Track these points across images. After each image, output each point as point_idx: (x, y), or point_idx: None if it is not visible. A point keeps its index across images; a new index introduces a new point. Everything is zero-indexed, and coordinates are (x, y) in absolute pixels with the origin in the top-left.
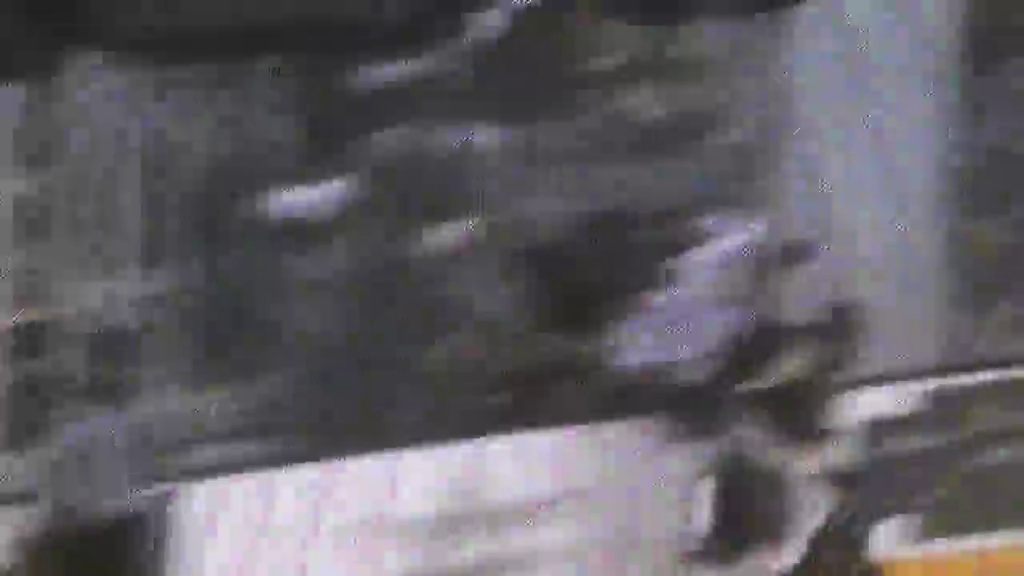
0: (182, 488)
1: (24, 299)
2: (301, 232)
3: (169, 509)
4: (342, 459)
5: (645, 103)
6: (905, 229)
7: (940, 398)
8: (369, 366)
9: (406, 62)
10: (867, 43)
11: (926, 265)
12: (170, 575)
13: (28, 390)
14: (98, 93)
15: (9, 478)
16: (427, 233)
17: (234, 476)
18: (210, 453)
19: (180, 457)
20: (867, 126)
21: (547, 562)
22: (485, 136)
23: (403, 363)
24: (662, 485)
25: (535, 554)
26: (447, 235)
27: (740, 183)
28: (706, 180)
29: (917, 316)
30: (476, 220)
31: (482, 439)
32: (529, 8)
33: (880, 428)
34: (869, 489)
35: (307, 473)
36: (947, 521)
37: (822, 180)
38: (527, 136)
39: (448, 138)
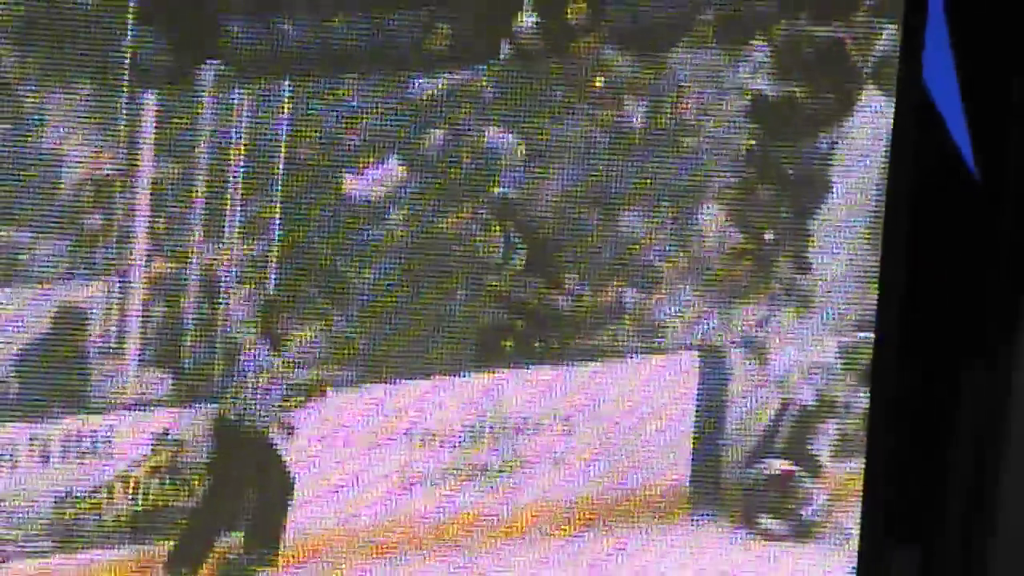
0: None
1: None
2: (366, 206)
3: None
4: (395, 383)
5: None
6: None
7: None
8: (413, 315)
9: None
10: None
11: None
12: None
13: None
14: (217, 100)
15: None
16: (454, 211)
17: (318, 396)
18: (307, 376)
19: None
20: None
21: (546, 465)
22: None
23: (439, 314)
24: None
25: (537, 457)
26: (468, 214)
27: None
28: None
29: None
30: (492, 202)
31: (496, 371)
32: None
33: None
34: None
35: (371, 393)
36: None
37: None
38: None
39: (476, 137)
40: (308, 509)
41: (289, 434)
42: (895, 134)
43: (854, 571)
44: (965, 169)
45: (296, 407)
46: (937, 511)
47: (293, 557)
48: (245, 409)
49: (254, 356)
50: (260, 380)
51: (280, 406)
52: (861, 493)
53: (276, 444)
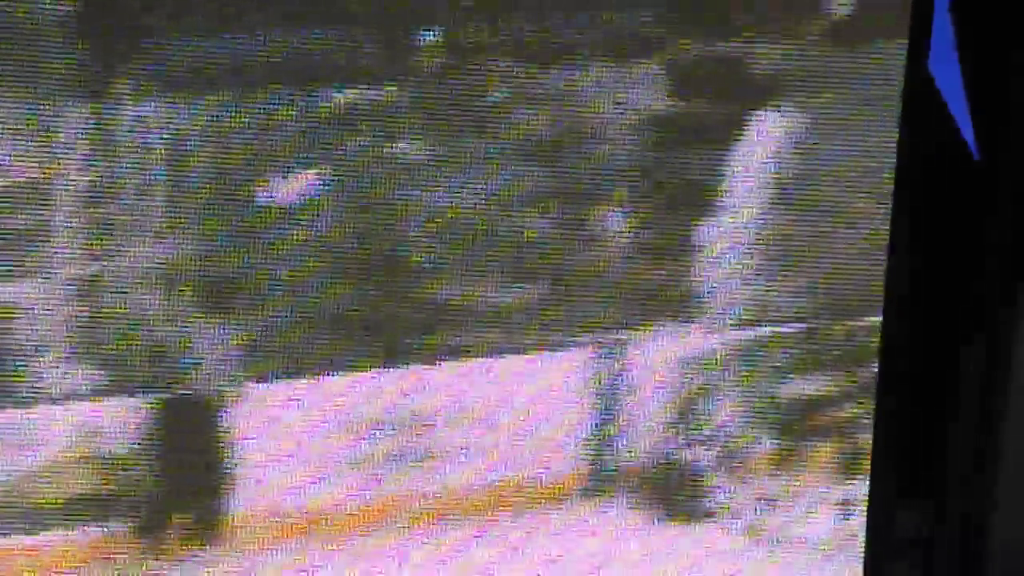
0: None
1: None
2: (287, 213)
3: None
4: (321, 377)
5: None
6: None
7: None
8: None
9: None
10: None
11: None
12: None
13: None
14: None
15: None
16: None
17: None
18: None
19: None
20: None
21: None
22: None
23: (365, 312)
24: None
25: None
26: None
27: None
28: None
29: None
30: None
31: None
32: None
33: None
34: None
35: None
36: None
37: None
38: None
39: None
40: (240, 493)
41: (220, 423)
42: (903, 125)
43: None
44: (969, 156)
45: (224, 398)
46: (940, 472)
47: (232, 538)
48: (176, 397)
49: (182, 348)
50: (190, 373)
51: (208, 397)
52: (871, 458)
53: (210, 430)
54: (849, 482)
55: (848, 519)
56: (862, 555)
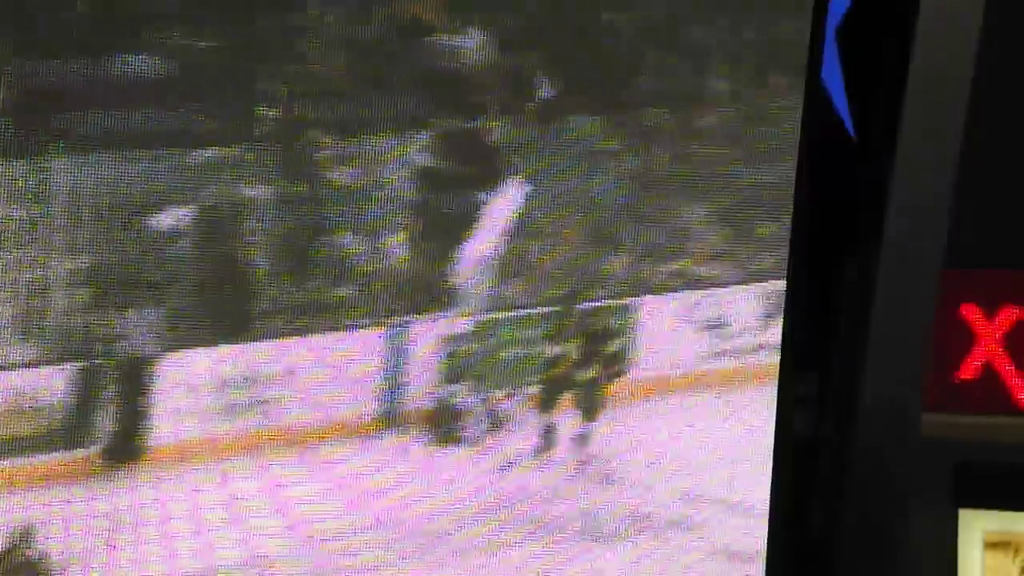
0: None
1: None
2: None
3: None
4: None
5: None
6: None
7: None
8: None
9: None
10: None
11: None
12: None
13: None
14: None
15: None
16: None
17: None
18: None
19: None
20: None
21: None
22: None
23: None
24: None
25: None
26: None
27: None
28: None
29: None
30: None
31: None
32: None
33: None
34: None
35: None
36: None
37: None
38: None
39: None
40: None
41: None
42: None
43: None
44: (847, 136)
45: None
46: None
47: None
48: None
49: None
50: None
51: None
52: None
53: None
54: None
55: (551, 438)
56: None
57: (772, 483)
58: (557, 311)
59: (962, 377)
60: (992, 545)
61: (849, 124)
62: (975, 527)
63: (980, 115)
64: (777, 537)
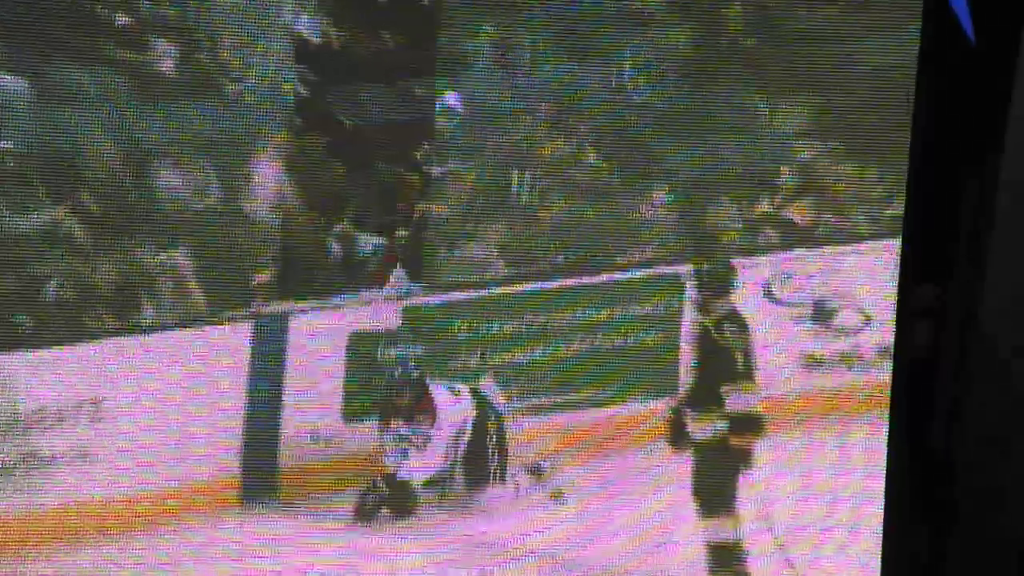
0: None
1: None
2: None
3: None
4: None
5: None
6: None
7: None
8: None
9: None
10: None
11: None
12: None
13: None
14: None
15: None
16: None
17: None
18: None
19: None
20: None
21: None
22: None
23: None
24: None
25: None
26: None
27: None
28: None
29: None
30: None
31: None
32: None
33: None
34: None
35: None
36: None
37: None
38: None
39: None
40: None
41: None
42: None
43: None
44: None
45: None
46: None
47: None
48: None
49: None
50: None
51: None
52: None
53: None
54: None
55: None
56: None
57: (892, 394)
58: None
59: None
60: None
61: (970, 32)
62: None
63: None
64: (900, 448)
